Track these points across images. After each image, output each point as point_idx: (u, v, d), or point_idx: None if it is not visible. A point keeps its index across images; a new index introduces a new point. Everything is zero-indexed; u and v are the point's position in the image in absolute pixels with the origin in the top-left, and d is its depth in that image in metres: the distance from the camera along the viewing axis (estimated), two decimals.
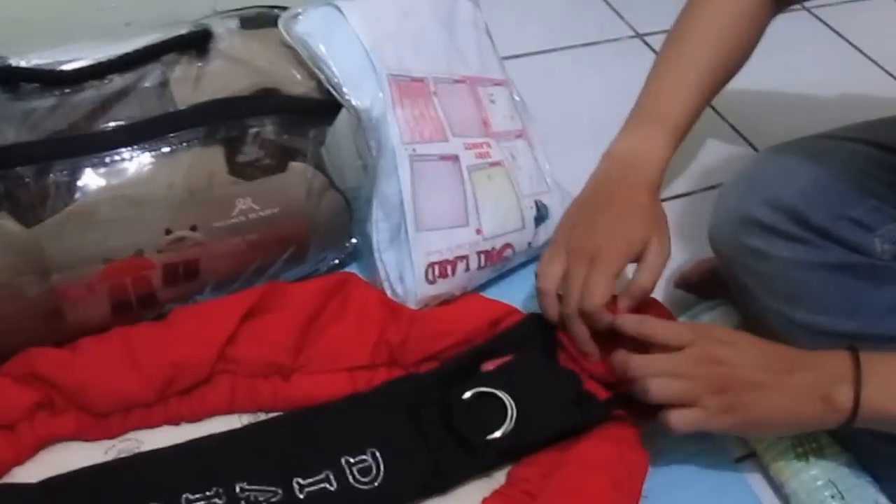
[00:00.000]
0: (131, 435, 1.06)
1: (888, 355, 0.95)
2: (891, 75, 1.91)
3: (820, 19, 2.05)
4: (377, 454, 1.02)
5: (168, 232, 1.06)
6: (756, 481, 1.13)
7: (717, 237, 1.11)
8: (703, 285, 1.29)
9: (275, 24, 1.17)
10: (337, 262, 1.27)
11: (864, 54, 1.97)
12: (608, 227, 1.07)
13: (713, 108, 1.71)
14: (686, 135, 1.15)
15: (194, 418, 1.08)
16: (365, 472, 1.01)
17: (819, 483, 1.06)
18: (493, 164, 1.25)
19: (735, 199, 1.08)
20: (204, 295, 1.16)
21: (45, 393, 1.03)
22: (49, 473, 0.99)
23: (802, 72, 1.81)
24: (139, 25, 1.59)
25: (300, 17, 1.16)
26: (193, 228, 1.07)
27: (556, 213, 1.30)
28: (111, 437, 1.06)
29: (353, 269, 1.28)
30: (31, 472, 1.01)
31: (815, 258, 1.02)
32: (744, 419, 0.97)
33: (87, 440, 1.05)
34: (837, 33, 2.02)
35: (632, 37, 1.93)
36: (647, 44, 1.90)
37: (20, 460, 1.02)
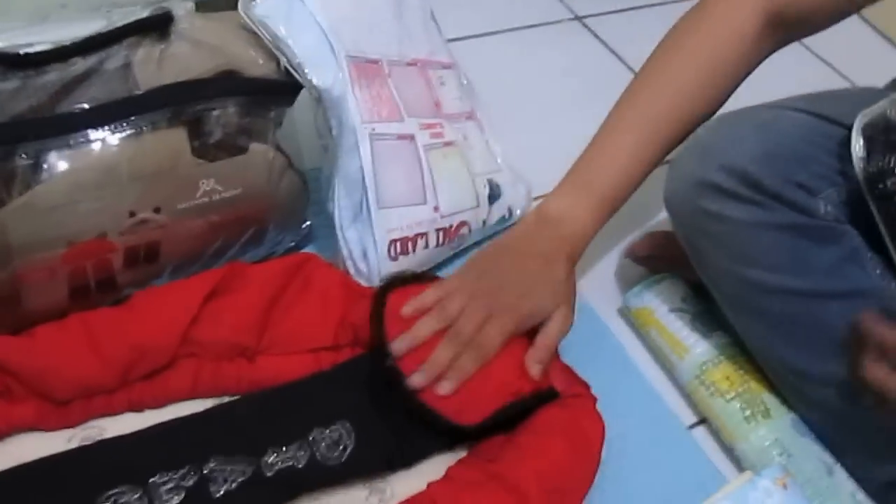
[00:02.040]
0: (93, 422, 1.10)
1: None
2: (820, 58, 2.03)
3: None
4: (346, 427, 1.08)
5: (132, 214, 1.10)
6: (709, 446, 1.22)
7: (673, 201, 1.20)
8: (651, 258, 1.39)
9: (233, 7, 1.22)
10: (293, 244, 1.33)
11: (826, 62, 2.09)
12: (517, 290, 1.12)
13: None
14: (622, 203, 1.20)
15: (157, 404, 1.12)
16: (334, 445, 1.07)
17: (767, 443, 1.16)
18: (446, 144, 1.32)
19: (690, 164, 1.17)
20: (163, 278, 1.20)
21: (3, 381, 1.06)
22: (9, 464, 1.02)
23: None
24: (75, 7, 1.65)
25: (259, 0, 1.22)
26: (157, 210, 1.12)
27: (508, 192, 1.39)
28: (73, 426, 1.09)
29: (308, 250, 1.34)
30: None
31: (767, 219, 1.10)
32: None
33: (47, 429, 1.08)
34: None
35: (571, 19, 2.01)
36: (586, 26, 1.98)
37: None
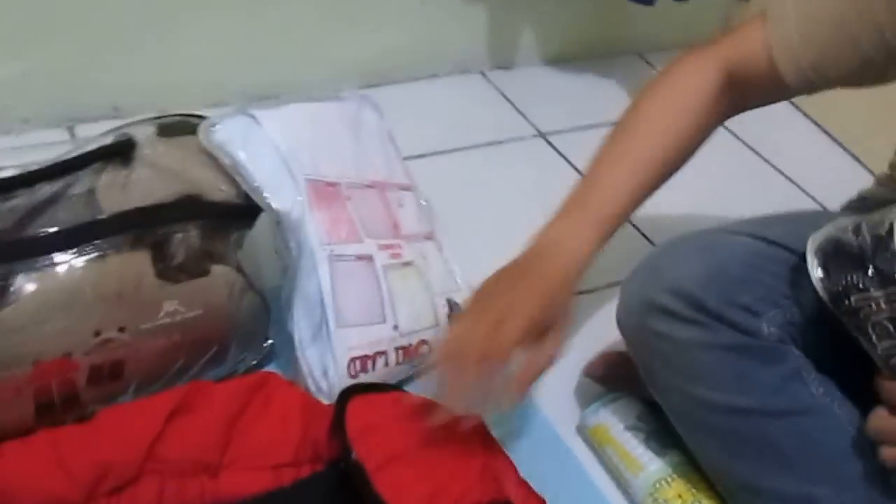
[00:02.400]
0: None
1: None
2: (785, 176, 2.10)
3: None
4: None
5: (97, 334, 1.15)
6: None
7: (623, 320, 1.25)
8: (608, 377, 1.44)
9: (193, 132, 1.28)
10: (255, 362, 1.37)
11: (763, 158, 2.16)
12: (520, 302, 1.15)
13: None
14: (618, 227, 1.24)
15: None
16: None
17: None
18: (405, 265, 1.37)
19: (638, 285, 1.22)
20: (127, 396, 1.24)
21: None
22: None
23: (705, 174, 1.98)
24: (37, 122, 1.72)
25: (218, 126, 1.27)
26: (121, 330, 1.17)
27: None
28: None
29: (270, 368, 1.38)
30: None
31: (710, 339, 1.15)
32: None
33: None
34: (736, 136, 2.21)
35: (535, 136, 2.08)
36: (549, 143, 2.05)
37: None
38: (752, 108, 1.30)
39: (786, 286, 1.18)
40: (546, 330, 1.16)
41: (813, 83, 1.22)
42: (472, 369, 1.11)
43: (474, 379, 1.12)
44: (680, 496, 1.26)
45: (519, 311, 1.14)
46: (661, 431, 1.32)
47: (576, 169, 1.97)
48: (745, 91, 1.25)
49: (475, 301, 1.20)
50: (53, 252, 1.12)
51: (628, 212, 1.25)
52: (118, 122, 1.36)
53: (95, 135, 1.25)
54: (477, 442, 1.22)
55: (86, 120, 1.80)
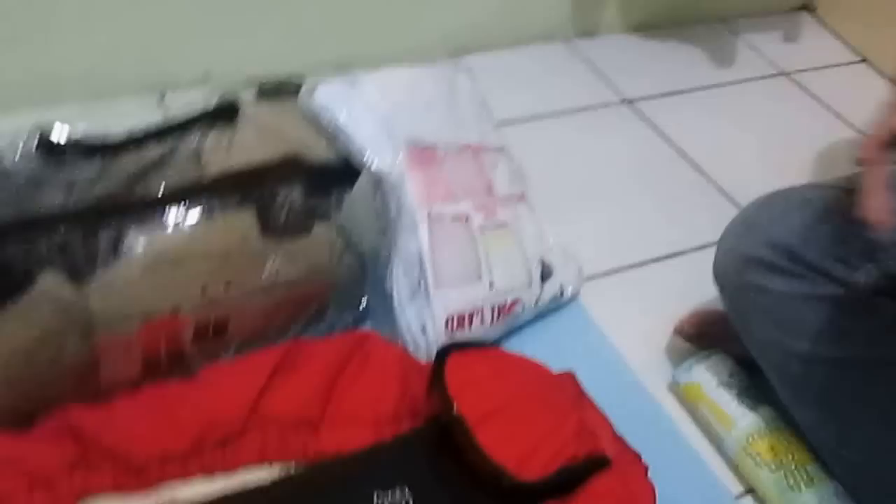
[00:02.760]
0: (168, 487, 1.15)
1: None
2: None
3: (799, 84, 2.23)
4: (406, 491, 1.16)
5: (204, 291, 1.18)
6: None
7: (720, 275, 1.26)
8: (699, 335, 1.45)
9: (294, 95, 1.32)
10: (351, 322, 1.40)
11: (835, 112, 2.15)
12: None
13: (701, 171, 1.88)
14: None
15: (227, 470, 1.18)
16: None
17: None
18: (499, 225, 1.39)
19: (736, 240, 1.24)
20: (229, 353, 1.28)
21: (82, 449, 1.12)
22: None
23: (783, 137, 1.99)
24: (128, 89, 1.76)
25: (319, 89, 1.30)
26: (227, 287, 1.20)
27: (559, 271, 1.45)
28: (148, 490, 1.14)
29: (366, 328, 1.41)
30: None
31: (809, 291, 1.17)
32: None
33: (124, 494, 1.13)
34: (808, 93, 2.20)
35: (621, 102, 2.09)
36: (635, 109, 2.06)
37: None
38: None
39: (881, 238, 1.19)
40: None
41: None
42: None
43: None
44: (772, 449, 1.28)
45: None
46: (753, 388, 1.34)
47: (661, 134, 1.98)
48: None
49: None
50: (163, 211, 1.15)
51: None
52: (208, 89, 1.39)
53: (187, 101, 1.28)
54: (572, 398, 1.24)
55: (176, 87, 1.84)
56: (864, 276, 1.17)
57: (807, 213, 1.20)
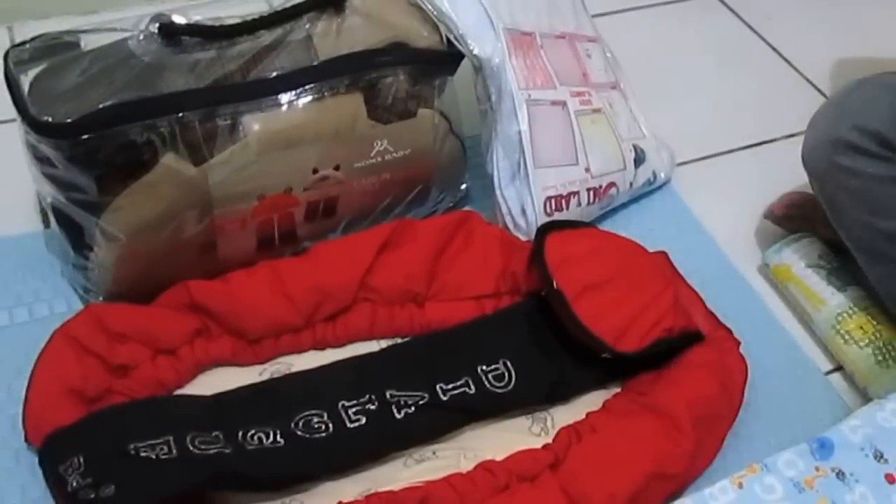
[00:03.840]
0: (281, 359, 1.22)
1: None
2: None
3: None
4: (508, 363, 1.19)
5: (315, 171, 1.22)
6: (844, 390, 1.31)
7: (810, 158, 1.27)
8: (789, 218, 1.47)
9: None
10: (452, 204, 1.44)
11: None
12: None
13: (789, 63, 1.88)
14: None
15: (338, 343, 1.24)
16: (499, 378, 1.18)
17: None
18: (595, 111, 1.41)
19: (826, 123, 1.25)
20: (336, 232, 1.32)
21: (203, 321, 1.19)
22: (211, 391, 1.15)
23: (866, 31, 1.97)
24: None
25: None
26: (337, 168, 1.24)
27: (652, 156, 1.47)
28: (263, 362, 1.22)
29: (466, 209, 1.44)
30: (193, 392, 1.17)
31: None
32: None
33: (241, 364, 1.21)
34: None
35: None
36: (724, 2, 2.05)
37: (182, 382, 1.18)
38: None
39: None
40: None
41: None
42: None
43: None
44: (861, 327, 1.30)
45: None
46: (842, 269, 1.35)
47: (749, 26, 1.98)
48: None
49: None
50: (276, 94, 1.18)
51: None
52: None
53: None
54: (666, 275, 1.26)
55: None
56: None
57: (894, 99, 1.21)
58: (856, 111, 1.22)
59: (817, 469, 1.07)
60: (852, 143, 1.20)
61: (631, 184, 1.43)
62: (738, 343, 1.24)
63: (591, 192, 1.37)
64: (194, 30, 1.18)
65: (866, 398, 1.27)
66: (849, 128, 1.20)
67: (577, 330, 1.17)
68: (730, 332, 1.25)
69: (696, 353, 1.20)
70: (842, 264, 1.36)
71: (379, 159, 1.27)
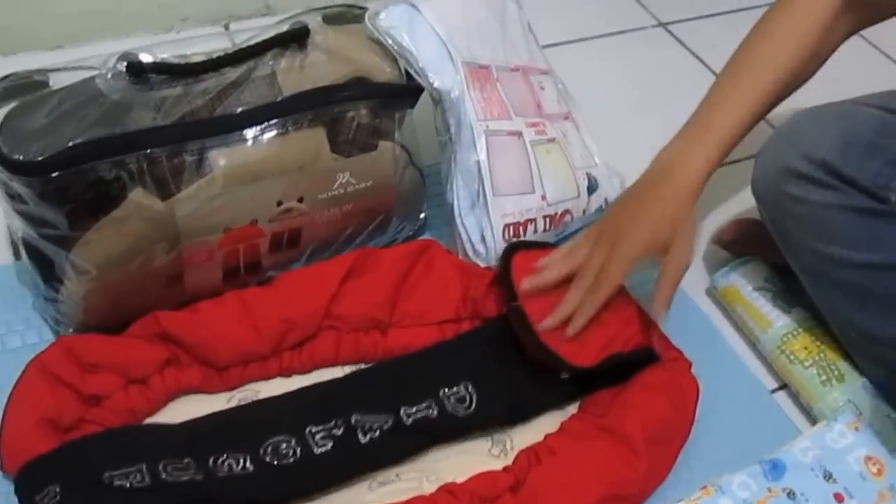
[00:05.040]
0: (249, 386, 1.23)
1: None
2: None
3: None
4: (469, 386, 1.20)
5: (279, 203, 1.23)
6: (789, 408, 1.34)
7: (759, 186, 1.30)
8: (736, 243, 1.50)
9: (357, 20, 1.35)
10: (412, 233, 1.45)
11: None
12: (635, 225, 1.22)
13: None
14: (733, 147, 1.26)
15: (304, 370, 1.25)
16: (461, 400, 1.19)
17: (840, 403, 1.27)
18: (549, 141, 1.43)
19: (776, 153, 1.27)
20: (301, 262, 1.33)
21: (172, 350, 1.20)
22: (181, 420, 1.16)
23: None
24: (195, 19, 1.79)
25: (382, 13, 1.33)
26: (300, 200, 1.24)
27: (604, 185, 1.49)
28: (231, 389, 1.23)
29: (426, 237, 1.45)
30: (163, 420, 1.18)
31: (843, 202, 1.20)
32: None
33: (210, 392, 1.22)
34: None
35: (656, 26, 2.11)
36: (670, 32, 2.08)
37: (153, 411, 1.19)
38: (876, 21, 1.29)
39: None
40: (669, 246, 1.21)
41: None
42: (592, 293, 1.21)
43: (592, 301, 1.21)
44: (805, 348, 1.32)
45: (630, 237, 1.21)
46: (787, 291, 1.38)
47: (695, 56, 2.01)
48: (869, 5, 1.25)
49: (596, 228, 1.26)
50: (242, 129, 1.19)
51: (749, 128, 1.26)
52: (270, 20, 1.42)
53: (251, 31, 1.30)
54: (621, 298, 1.28)
55: (240, 17, 1.87)
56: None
57: (842, 128, 1.23)
58: (804, 140, 1.24)
59: (769, 490, 1.10)
60: (801, 172, 1.22)
61: (584, 211, 1.46)
62: (690, 364, 1.26)
63: (547, 220, 1.39)
64: (161, 68, 1.19)
65: (811, 416, 1.30)
66: (797, 157, 1.23)
67: (536, 346, 1.19)
68: (681, 353, 1.27)
69: (649, 375, 1.22)
70: (787, 287, 1.38)
71: (341, 191, 1.28)
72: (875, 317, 1.23)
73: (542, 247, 1.32)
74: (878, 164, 1.20)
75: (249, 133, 1.20)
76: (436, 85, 1.30)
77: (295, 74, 1.25)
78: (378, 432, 1.14)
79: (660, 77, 1.93)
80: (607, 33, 2.06)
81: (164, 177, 1.15)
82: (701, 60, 1.99)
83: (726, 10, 2.16)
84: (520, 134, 1.38)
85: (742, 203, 1.36)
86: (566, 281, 1.24)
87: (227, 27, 1.87)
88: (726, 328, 1.44)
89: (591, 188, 1.47)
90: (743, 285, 1.40)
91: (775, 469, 1.12)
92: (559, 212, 1.40)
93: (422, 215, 1.45)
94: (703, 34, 2.07)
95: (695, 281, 1.48)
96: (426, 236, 1.46)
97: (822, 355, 1.31)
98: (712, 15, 2.15)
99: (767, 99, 1.25)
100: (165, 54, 1.21)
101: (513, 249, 1.29)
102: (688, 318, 1.42)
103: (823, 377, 1.29)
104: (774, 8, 1.28)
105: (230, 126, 1.19)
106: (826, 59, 1.28)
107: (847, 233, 1.21)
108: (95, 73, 1.16)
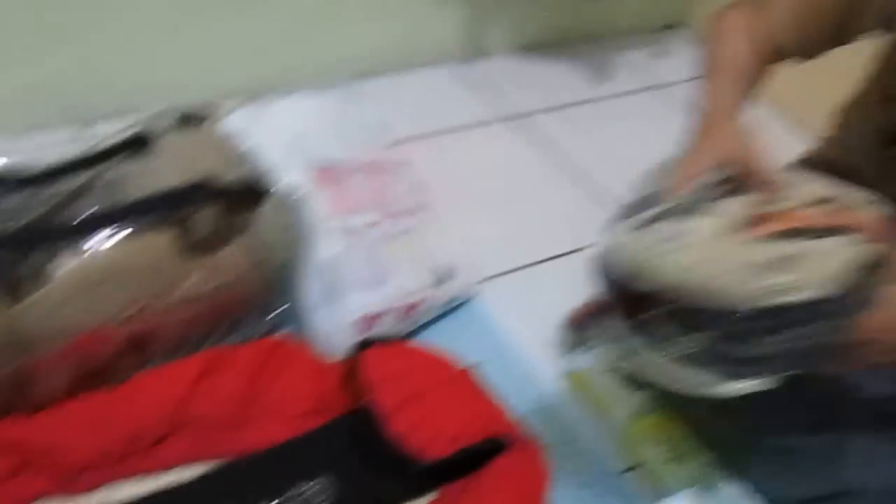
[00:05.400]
0: (104, 489, 1.19)
1: None
2: None
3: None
4: (327, 480, 1.20)
5: (128, 306, 1.22)
6: (639, 488, 1.37)
7: (603, 271, 1.33)
8: (587, 327, 1.52)
9: (205, 123, 1.37)
10: (268, 328, 1.44)
11: None
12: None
13: (587, 179, 1.95)
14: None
15: (161, 470, 1.22)
16: (318, 494, 1.18)
17: (686, 479, 1.31)
18: (402, 233, 1.46)
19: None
20: (154, 363, 1.30)
21: (21, 457, 1.16)
22: None
23: (659, 145, 2.06)
24: (55, 121, 1.78)
25: (230, 115, 1.36)
26: (149, 302, 1.24)
27: (457, 274, 1.51)
28: (85, 493, 1.18)
29: (283, 332, 1.45)
30: None
31: None
32: None
33: (62, 497, 1.17)
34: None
35: (509, 117, 2.16)
36: (523, 124, 2.13)
37: None
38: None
39: None
40: None
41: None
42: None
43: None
44: (653, 428, 1.36)
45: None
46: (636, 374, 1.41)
47: (548, 146, 2.06)
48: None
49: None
50: (89, 234, 1.19)
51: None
52: (130, 119, 1.43)
53: (112, 130, 1.31)
54: (473, 388, 1.30)
55: (100, 118, 1.86)
56: None
57: None
58: None
59: None
60: None
61: (439, 300, 1.47)
62: (541, 448, 1.27)
63: (401, 310, 1.40)
64: (8, 174, 1.18)
65: (659, 494, 1.32)
66: None
67: (386, 443, 1.20)
68: (533, 438, 1.28)
69: (501, 462, 1.22)
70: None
71: (192, 291, 1.27)
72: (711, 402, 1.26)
73: (391, 342, 1.33)
74: None
75: (96, 238, 1.19)
76: (283, 184, 1.31)
77: (141, 179, 1.25)
78: None
79: (509, 169, 1.97)
80: (463, 126, 2.10)
81: (10, 284, 1.14)
82: (554, 149, 2.04)
83: (578, 102, 2.22)
84: (371, 227, 1.40)
85: (591, 289, 1.39)
86: None
87: (87, 128, 1.86)
88: (578, 411, 1.46)
89: (446, 277, 1.49)
90: (593, 369, 1.43)
91: None
92: (412, 302, 1.42)
93: (275, 312, 1.45)
94: (555, 125, 2.12)
95: (548, 365, 1.50)
96: (281, 332, 1.45)
97: (669, 434, 1.34)
98: (564, 106, 2.21)
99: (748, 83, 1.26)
100: (15, 158, 1.21)
101: (364, 344, 1.29)
102: (542, 402, 1.45)
103: (671, 455, 1.32)
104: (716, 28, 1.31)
105: (78, 231, 1.19)
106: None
107: None
108: None
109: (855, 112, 1.38)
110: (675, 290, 1.03)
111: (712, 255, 1.03)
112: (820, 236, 1.01)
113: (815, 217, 1.05)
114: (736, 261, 1.01)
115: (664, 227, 1.07)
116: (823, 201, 1.08)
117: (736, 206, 1.07)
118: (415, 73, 2.22)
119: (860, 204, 1.09)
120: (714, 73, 1.28)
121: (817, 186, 1.10)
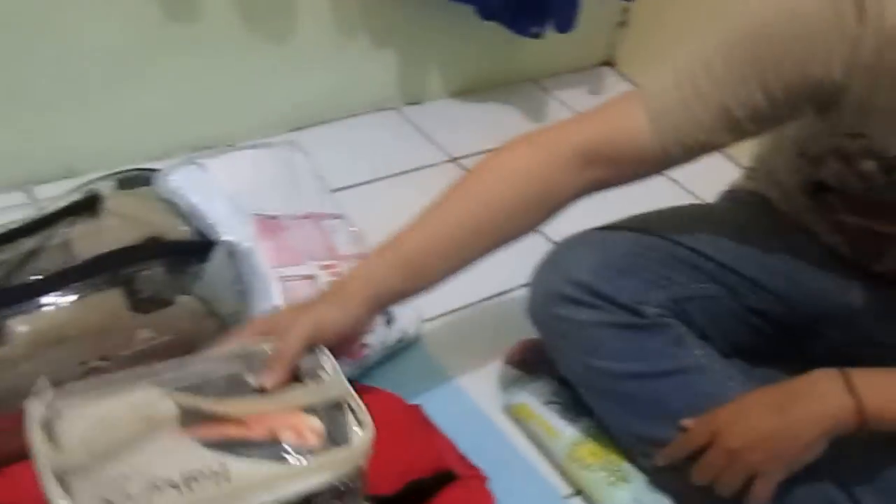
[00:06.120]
0: None
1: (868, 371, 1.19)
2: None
3: None
4: None
5: (83, 363, 1.25)
6: None
7: (532, 310, 1.38)
8: (524, 362, 1.57)
9: (149, 183, 1.40)
10: None
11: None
12: None
13: None
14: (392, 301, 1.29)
15: None
16: None
17: (628, 499, 1.35)
18: None
19: (543, 279, 1.36)
20: None
21: None
22: None
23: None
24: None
25: (171, 175, 1.39)
26: (104, 358, 1.27)
27: (401, 317, 1.56)
28: None
29: None
30: None
31: (605, 319, 1.30)
32: (784, 463, 1.22)
33: None
34: None
35: (447, 161, 2.21)
36: (460, 166, 2.18)
37: None
38: (619, 184, 1.29)
39: (665, 268, 1.33)
40: None
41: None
42: None
43: None
44: (593, 453, 1.41)
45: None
46: (573, 403, 1.46)
47: None
48: (612, 165, 1.25)
49: None
50: (40, 296, 1.22)
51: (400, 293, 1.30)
52: (74, 182, 1.46)
53: (54, 194, 1.35)
54: (420, 425, 1.34)
55: (43, 181, 1.89)
56: (651, 301, 1.31)
57: (599, 253, 1.33)
58: (567, 265, 1.33)
59: None
60: (567, 295, 1.31)
61: (383, 343, 1.52)
62: (486, 479, 1.32)
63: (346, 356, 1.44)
64: None
65: None
66: (562, 281, 1.32)
67: None
68: (478, 470, 1.33)
69: (448, 493, 1.27)
70: (573, 399, 1.46)
71: (143, 346, 1.31)
72: (648, 421, 1.32)
73: None
74: (634, 282, 1.30)
75: (47, 300, 1.23)
76: (225, 238, 1.35)
77: (89, 240, 1.29)
78: None
79: None
80: (401, 171, 2.14)
81: None
82: None
83: None
84: (313, 277, 1.44)
85: (529, 325, 1.44)
86: None
87: (30, 192, 1.88)
88: (522, 442, 1.51)
89: (389, 320, 1.53)
90: (532, 401, 1.48)
91: None
92: (358, 346, 1.45)
93: None
94: None
95: (491, 400, 1.55)
96: None
97: (607, 459, 1.40)
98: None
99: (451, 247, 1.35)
100: None
101: None
102: (486, 436, 1.49)
103: (611, 479, 1.37)
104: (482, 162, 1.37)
105: (28, 294, 1.22)
106: (551, 214, 1.29)
107: (612, 347, 1.30)
108: None
109: (778, 156, 1.44)
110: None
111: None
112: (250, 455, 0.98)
113: (257, 429, 1.02)
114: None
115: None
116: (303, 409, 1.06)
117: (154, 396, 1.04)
118: (352, 122, 2.26)
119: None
120: (398, 238, 1.33)
121: (302, 394, 1.09)
